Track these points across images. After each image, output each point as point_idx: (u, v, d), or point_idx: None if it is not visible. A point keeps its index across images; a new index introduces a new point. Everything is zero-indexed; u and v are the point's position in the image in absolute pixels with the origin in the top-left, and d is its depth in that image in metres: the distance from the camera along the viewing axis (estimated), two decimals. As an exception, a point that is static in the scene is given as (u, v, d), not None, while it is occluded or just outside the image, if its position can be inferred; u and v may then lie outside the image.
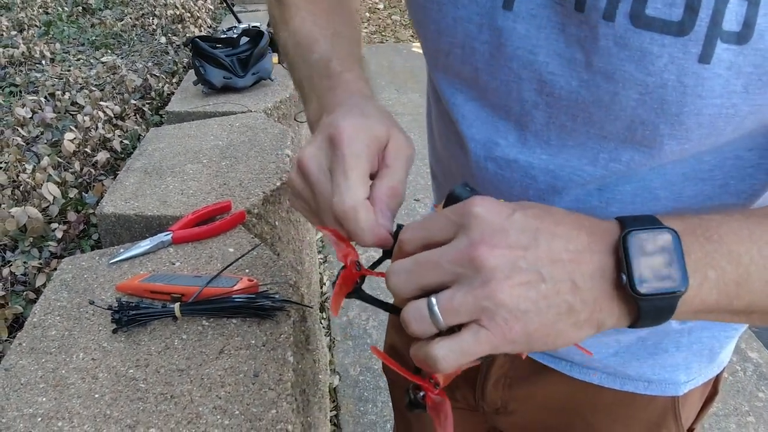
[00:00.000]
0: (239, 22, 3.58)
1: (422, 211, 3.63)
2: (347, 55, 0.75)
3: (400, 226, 0.55)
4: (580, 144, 0.62)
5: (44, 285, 1.54)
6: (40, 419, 0.97)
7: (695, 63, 0.51)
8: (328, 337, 2.80)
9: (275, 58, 2.82)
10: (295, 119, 2.77)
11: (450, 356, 0.44)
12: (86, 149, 2.15)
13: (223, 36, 2.98)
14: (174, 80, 3.19)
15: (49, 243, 1.68)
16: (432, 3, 0.66)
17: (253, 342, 1.09)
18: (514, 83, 0.62)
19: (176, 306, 1.12)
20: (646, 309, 0.45)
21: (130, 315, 1.11)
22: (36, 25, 4.51)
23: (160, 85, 3.02)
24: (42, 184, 1.77)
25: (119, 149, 2.27)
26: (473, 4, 0.62)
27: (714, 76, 0.51)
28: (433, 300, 0.45)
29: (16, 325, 1.52)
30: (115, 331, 1.12)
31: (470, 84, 0.67)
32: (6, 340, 1.46)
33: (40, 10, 5.05)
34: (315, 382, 1.52)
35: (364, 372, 2.62)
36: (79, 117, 2.31)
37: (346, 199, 0.54)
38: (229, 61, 2.57)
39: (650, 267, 0.45)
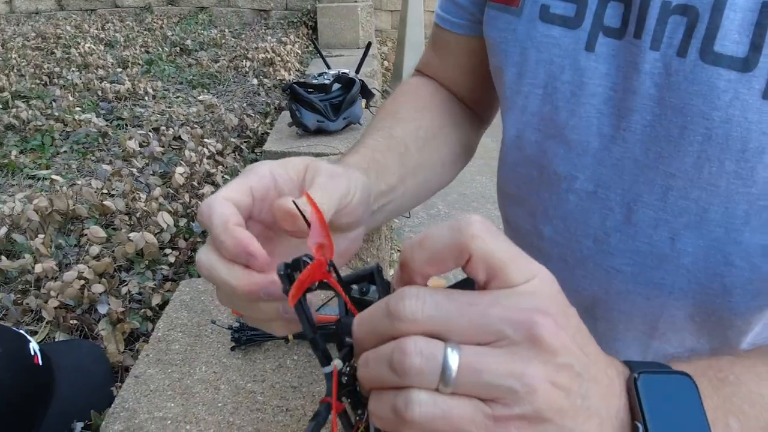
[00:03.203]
0: (329, 68, 3.78)
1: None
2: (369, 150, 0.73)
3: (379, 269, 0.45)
4: (650, 180, 0.64)
5: (158, 304, 1.69)
6: (169, 422, 1.10)
7: (759, 99, 0.53)
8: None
9: (364, 104, 2.98)
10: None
11: (429, 413, 0.34)
12: (193, 182, 2.34)
13: (315, 81, 3.17)
14: (267, 120, 3.40)
15: (162, 266, 1.84)
16: (514, 47, 0.72)
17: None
18: (595, 119, 0.66)
19: (289, 329, 1.24)
20: None
21: (248, 335, 1.24)
22: (139, 63, 4.86)
23: (255, 125, 3.22)
24: (156, 213, 1.94)
25: (221, 184, 2.45)
26: (556, 47, 0.67)
27: None
28: (456, 349, 0.34)
29: (132, 338, 1.67)
30: (233, 349, 1.25)
31: (548, 123, 0.71)
32: (123, 352, 1.61)
33: (142, 49, 5.43)
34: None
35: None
36: (186, 152, 2.51)
37: (207, 200, 0.47)
38: (322, 106, 2.74)
39: (667, 418, 0.38)
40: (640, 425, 0.38)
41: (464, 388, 0.34)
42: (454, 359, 0.34)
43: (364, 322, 0.39)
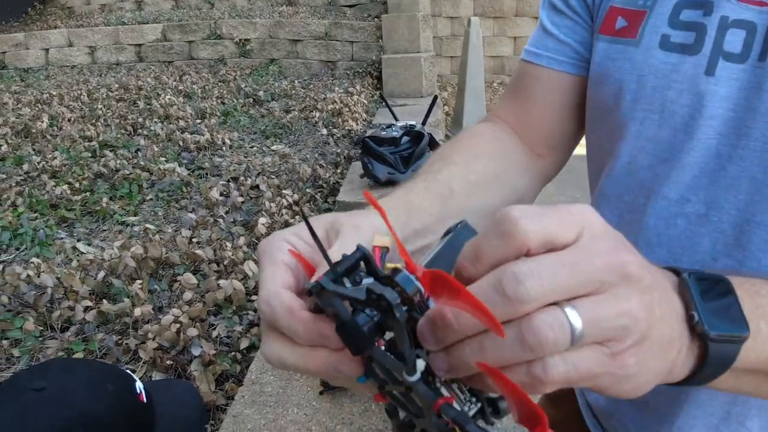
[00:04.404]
0: (396, 120, 3.94)
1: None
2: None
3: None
4: (766, 198, 0.65)
5: (246, 347, 1.82)
6: (267, 458, 1.21)
7: None
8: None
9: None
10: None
11: (563, 371, 0.38)
12: (273, 231, 2.50)
13: (384, 134, 3.32)
14: (338, 171, 3.57)
15: (248, 312, 1.98)
16: (630, 75, 0.74)
17: (436, 413, 1.29)
18: (713, 140, 0.68)
19: (373, 376, 1.34)
20: (714, 353, 0.45)
21: (335, 380, 1.35)
22: (216, 114, 5.14)
23: (327, 175, 3.38)
24: (242, 261, 2.09)
25: (298, 232, 2.60)
26: (675, 73, 0.69)
27: None
28: (574, 309, 0.38)
29: (222, 378, 1.80)
30: (321, 393, 1.36)
31: (663, 146, 0.73)
32: (215, 391, 1.74)
33: (218, 100, 5.73)
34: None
35: None
36: (266, 203, 2.67)
37: (261, 294, 0.48)
38: (393, 159, 2.89)
39: (714, 310, 0.45)
40: (695, 314, 0.44)
41: (587, 340, 0.38)
42: (576, 320, 0.37)
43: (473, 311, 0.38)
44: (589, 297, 0.39)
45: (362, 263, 0.44)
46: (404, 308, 0.39)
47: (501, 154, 0.88)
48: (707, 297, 0.46)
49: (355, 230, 0.52)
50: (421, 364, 0.41)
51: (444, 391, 0.41)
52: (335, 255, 0.46)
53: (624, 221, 0.80)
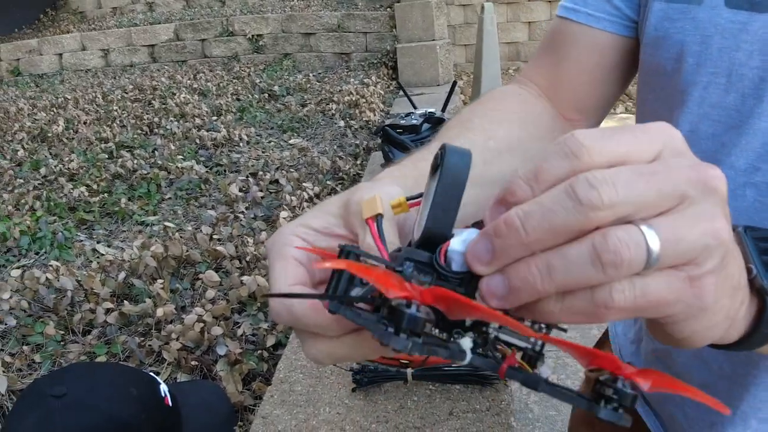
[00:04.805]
0: (415, 107, 3.86)
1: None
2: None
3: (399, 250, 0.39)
4: None
5: (273, 345, 1.76)
6: (300, 461, 1.14)
7: None
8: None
9: (453, 142, 3.03)
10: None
11: (631, 296, 0.34)
12: (294, 225, 2.43)
13: (404, 122, 3.24)
14: (358, 162, 3.50)
15: (273, 308, 1.92)
16: (693, 37, 0.69)
17: (477, 407, 1.22)
18: None
19: (408, 371, 1.27)
20: None
21: (369, 377, 1.28)
22: (232, 111, 5.09)
23: (347, 166, 3.32)
24: (265, 257, 2.03)
25: (320, 226, 2.54)
26: (743, 32, 0.65)
27: None
28: (651, 228, 0.33)
29: (248, 378, 1.74)
30: (354, 390, 1.29)
31: (730, 112, 0.69)
32: (242, 392, 1.68)
33: (233, 96, 5.69)
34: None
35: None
36: (286, 196, 2.61)
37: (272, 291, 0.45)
38: (414, 146, 2.81)
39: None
40: (753, 267, 0.42)
41: (663, 264, 0.34)
42: (654, 240, 0.33)
43: (534, 215, 0.34)
44: (669, 214, 0.34)
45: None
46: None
47: (526, 119, 0.82)
48: (761, 249, 0.43)
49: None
50: (467, 343, 0.35)
51: (498, 351, 0.36)
52: (371, 246, 0.41)
53: None
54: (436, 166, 0.38)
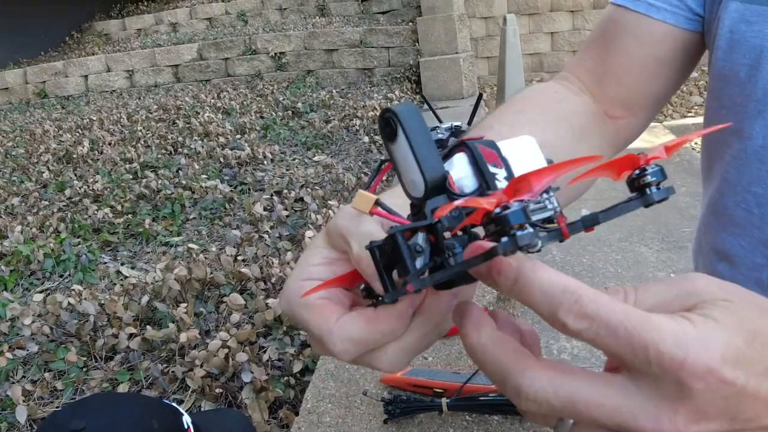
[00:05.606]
0: (440, 121, 3.80)
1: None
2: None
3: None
4: None
5: (300, 371, 1.69)
6: (330, 501, 1.07)
7: None
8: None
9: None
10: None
11: None
12: (320, 244, 2.37)
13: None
14: (383, 178, 3.43)
15: (300, 332, 1.85)
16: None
17: (519, 441, 1.13)
18: None
19: (443, 401, 1.19)
20: None
21: (401, 407, 1.20)
22: (255, 129, 5.06)
23: (373, 183, 3.26)
24: (290, 278, 1.97)
25: (346, 244, 2.48)
26: None
27: None
28: None
29: (275, 406, 1.67)
30: (386, 422, 1.21)
31: None
32: (267, 421, 1.61)
33: (257, 114, 5.67)
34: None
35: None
36: (312, 215, 2.55)
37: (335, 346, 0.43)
38: (441, 161, 2.75)
39: None
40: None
41: None
42: None
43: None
44: None
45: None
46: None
47: (555, 118, 0.77)
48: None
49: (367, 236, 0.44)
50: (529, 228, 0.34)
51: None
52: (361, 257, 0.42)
53: (753, 217, 0.70)
54: (391, 132, 0.39)
